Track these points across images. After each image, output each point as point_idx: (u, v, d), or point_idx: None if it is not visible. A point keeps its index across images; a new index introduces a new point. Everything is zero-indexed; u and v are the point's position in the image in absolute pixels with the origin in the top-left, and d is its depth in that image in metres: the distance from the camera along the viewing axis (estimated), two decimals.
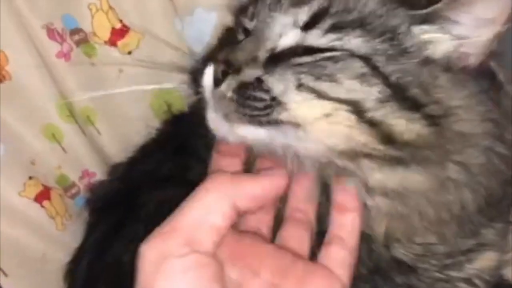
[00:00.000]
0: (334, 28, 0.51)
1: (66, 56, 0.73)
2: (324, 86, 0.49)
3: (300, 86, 0.49)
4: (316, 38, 0.51)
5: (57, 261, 0.72)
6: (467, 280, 0.56)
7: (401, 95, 0.49)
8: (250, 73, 0.50)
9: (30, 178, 0.72)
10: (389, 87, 0.49)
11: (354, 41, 0.50)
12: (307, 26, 0.52)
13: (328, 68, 0.50)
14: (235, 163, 0.54)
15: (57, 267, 0.71)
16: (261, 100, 0.49)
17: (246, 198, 0.48)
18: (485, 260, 0.57)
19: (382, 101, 0.49)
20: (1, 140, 0.69)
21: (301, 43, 0.52)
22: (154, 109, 0.80)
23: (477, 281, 0.57)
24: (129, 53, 0.75)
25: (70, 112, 0.76)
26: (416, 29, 0.51)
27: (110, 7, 0.72)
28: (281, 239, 0.52)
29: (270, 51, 0.52)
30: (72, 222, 0.76)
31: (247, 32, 0.57)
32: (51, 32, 0.72)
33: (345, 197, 0.52)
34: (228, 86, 0.50)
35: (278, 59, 0.51)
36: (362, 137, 0.49)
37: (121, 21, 0.73)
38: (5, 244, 0.68)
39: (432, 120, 0.49)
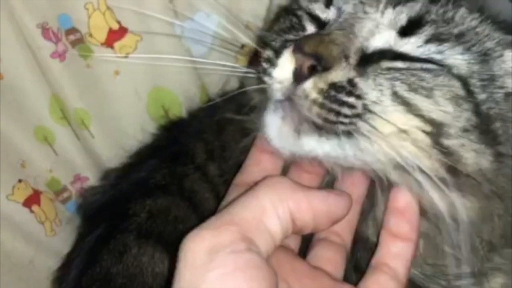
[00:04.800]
0: (434, 39, 0.47)
1: (61, 56, 0.71)
2: (418, 100, 0.45)
3: (393, 95, 0.45)
4: (413, 46, 0.47)
5: (46, 268, 0.70)
6: None
7: (485, 127, 0.46)
8: (342, 74, 0.44)
9: (20, 181, 0.70)
10: (478, 117, 0.46)
11: (456, 58, 0.47)
12: (405, 31, 0.48)
13: (426, 81, 0.45)
14: (278, 163, 0.50)
15: (45, 275, 0.70)
16: (352, 107, 0.44)
17: (308, 212, 0.43)
18: (492, 284, 0.55)
19: (464, 130, 0.46)
20: None
21: (394, 48, 0.48)
22: (151, 113, 0.78)
23: None
24: (126, 55, 0.73)
25: (63, 114, 0.74)
26: (509, 55, 0.48)
27: (108, 8, 0.70)
28: (314, 260, 0.47)
29: (360, 51, 0.47)
30: (62, 228, 0.74)
31: (318, 21, 0.52)
32: (46, 32, 0.70)
33: (404, 223, 0.46)
34: (314, 85, 0.44)
35: (367, 60, 0.47)
36: (427, 161, 0.45)
37: (119, 22, 0.71)
38: None
39: (499, 158, 0.47)
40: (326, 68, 0.44)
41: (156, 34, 0.73)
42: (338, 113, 0.44)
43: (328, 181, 0.52)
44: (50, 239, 0.73)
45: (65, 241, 0.71)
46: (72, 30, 0.70)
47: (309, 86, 0.44)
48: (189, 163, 0.64)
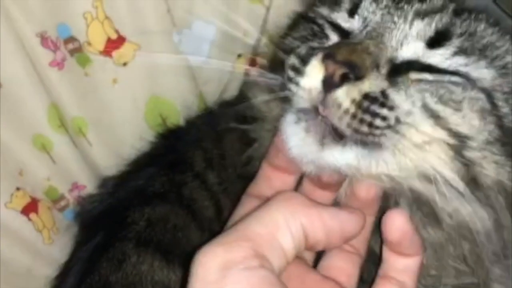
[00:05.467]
0: (461, 52, 0.47)
1: (59, 65, 0.71)
2: (448, 113, 0.45)
3: (424, 107, 0.44)
4: (441, 58, 0.47)
5: (43, 276, 0.70)
6: None
7: (507, 139, 0.46)
8: (375, 84, 0.44)
9: (18, 189, 0.70)
10: (500, 129, 0.46)
11: (481, 71, 0.47)
12: (432, 43, 0.48)
13: (456, 93, 0.45)
14: (288, 181, 0.49)
15: (43, 283, 0.69)
16: (384, 118, 0.43)
17: (321, 228, 0.42)
18: None
19: (487, 143, 0.46)
20: None
21: (422, 59, 0.47)
22: (149, 121, 0.78)
23: None
24: (124, 64, 0.73)
25: (61, 122, 0.74)
26: None
27: (106, 17, 0.70)
28: (326, 270, 0.47)
29: (390, 61, 0.46)
30: (60, 236, 0.74)
31: (340, 31, 0.52)
32: (45, 41, 0.70)
33: (404, 249, 0.45)
34: (347, 94, 0.42)
35: (397, 71, 0.46)
36: (449, 173, 0.45)
37: (117, 31, 0.71)
38: None
39: None
40: (359, 77, 0.43)
41: (154, 44, 0.73)
42: (370, 125, 0.43)
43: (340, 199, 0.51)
44: (47, 247, 0.72)
45: (62, 250, 0.71)
46: (71, 39, 0.71)
47: (342, 94, 0.43)
48: (188, 171, 0.64)
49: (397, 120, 0.44)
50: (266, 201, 0.43)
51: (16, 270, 0.69)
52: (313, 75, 0.44)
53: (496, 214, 0.49)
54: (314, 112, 0.45)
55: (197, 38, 0.74)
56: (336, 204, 0.51)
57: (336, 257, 0.47)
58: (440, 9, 0.50)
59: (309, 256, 0.49)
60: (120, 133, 0.77)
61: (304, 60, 0.46)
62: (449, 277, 0.52)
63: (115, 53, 0.72)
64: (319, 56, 0.44)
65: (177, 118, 0.78)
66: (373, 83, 0.44)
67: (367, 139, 0.44)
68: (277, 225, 0.41)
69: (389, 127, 0.44)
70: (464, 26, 0.50)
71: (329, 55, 0.44)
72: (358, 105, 0.43)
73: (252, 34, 0.74)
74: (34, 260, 0.71)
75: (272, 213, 0.42)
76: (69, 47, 0.71)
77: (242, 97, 0.63)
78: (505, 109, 0.48)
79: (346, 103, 0.43)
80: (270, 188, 0.49)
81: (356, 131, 0.43)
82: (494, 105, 0.47)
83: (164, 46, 0.74)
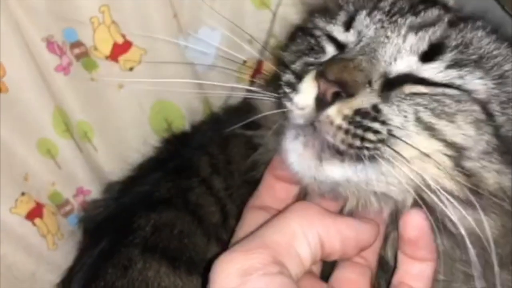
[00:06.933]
0: (455, 64, 0.47)
1: (65, 69, 0.71)
2: (442, 125, 0.45)
3: (417, 120, 0.45)
4: (434, 71, 0.47)
5: (47, 282, 0.70)
6: None
7: (505, 149, 0.46)
8: (367, 100, 0.44)
9: (23, 194, 0.70)
10: (498, 139, 0.46)
11: (476, 83, 0.47)
12: (426, 56, 0.48)
13: (449, 106, 0.46)
14: (292, 191, 0.50)
15: None
16: (376, 132, 0.44)
17: (336, 237, 0.43)
18: None
19: (485, 153, 0.46)
20: None
21: (415, 72, 0.48)
22: (154, 126, 0.78)
23: None
24: (131, 69, 0.73)
25: (67, 127, 0.74)
26: None
27: (113, 22, 0.70)
28: (337, 282, 0.47)
29: (383, 75, 0.47)
30: (64, 241, 0.74)
31: (337, 43, 0.53)
32: (51, 45, 0.70)
33: (419, 250, 0.46)
34: (338, 111, 0.43)
35: (390, 85, 0.47)
36: (449, 183, 0.45)
37: (124, 36, 0.71)
38: None
39: None
40: (350, 95, 0.44)
41: (160, 49, 0.73)
42: (362, 139, 0.44)
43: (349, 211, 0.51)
44: (52, 253, 0.72)
45: (67, 255, 0.71)
46: (77, 44, 0.71)
47: (333, 112, 0.43)
48: (193, 176, 0.63)
49: (390, 134, 0.44)
50: (278, 212, 0.44)
51: (20, 275, 0.69)
52: (306, 93, 0.45)
53: (502, 220, 0.48)
54: (311, 127, 0.45)
55: (203, 43, 0.74)
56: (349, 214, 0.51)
57: (347, 269, 0.48)
58: (434, 22, 0.51)
59: (316, 270, 0.49)
60: (125, 138, 0.77)
61: (299, 76, 0.47)
62: (457, 282, 0.52)
63: (121, 58, 0.72)
64: (312, 74, 0.45)
65: (183, 123, 0.78)
66: (364, 99, 0.44)
67: (363, 154, 0.44)
68: (294, 234, 0.42)
69: (382, 141, 0.44)
70: (459, 37, 0.50)
71: (321, 74, 0.44)
72: (350, 120, 0.43)
73: (258, 39, 0.74)
74: (38, 265, 0.71)
75: (289, 222, 0.43)
76: (75, 52, 0.71)
77: (247, 102, 0.63)
78: (501, 118, 0.48)
79: (338, 120, 0.43)
80: (273, 197, 0.50)
81: (351, 146, 0.44)
82: (490, 116, 0.47)
83: (170, 51, 0.73)
